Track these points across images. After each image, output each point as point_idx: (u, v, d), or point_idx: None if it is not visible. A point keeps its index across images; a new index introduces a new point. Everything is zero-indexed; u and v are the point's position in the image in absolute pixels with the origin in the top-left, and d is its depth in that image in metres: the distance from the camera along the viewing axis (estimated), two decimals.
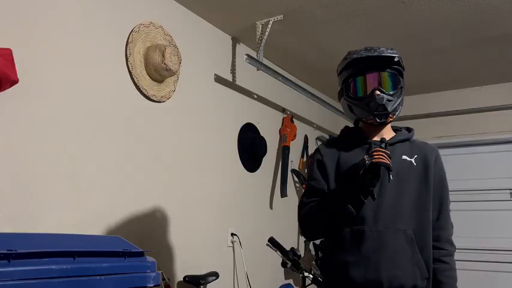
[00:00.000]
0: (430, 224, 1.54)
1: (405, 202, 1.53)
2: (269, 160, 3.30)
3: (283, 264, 2.57)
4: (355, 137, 1.66)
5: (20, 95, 1.72)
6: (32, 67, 1.77)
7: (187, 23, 2.63)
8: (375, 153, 1.46)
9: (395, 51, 1.58)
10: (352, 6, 2.58)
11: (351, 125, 1.75)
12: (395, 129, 1.69)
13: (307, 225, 1.64)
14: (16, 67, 1.65)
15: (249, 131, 3.09)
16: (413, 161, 1.58)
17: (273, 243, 2.54)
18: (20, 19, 1.75)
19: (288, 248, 2.58)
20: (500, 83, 3.85)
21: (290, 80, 3.32)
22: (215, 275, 2.46)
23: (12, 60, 1.65)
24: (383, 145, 1.57)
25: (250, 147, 3.05)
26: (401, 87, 1.59)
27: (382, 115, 1.55)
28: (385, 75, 1.57)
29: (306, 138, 3.82)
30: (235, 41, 3.02)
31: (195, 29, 2.69)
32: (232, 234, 2.84)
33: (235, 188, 2.94)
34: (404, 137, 1.64)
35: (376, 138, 1.62)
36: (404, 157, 1.58)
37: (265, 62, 3.03)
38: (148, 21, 2.31)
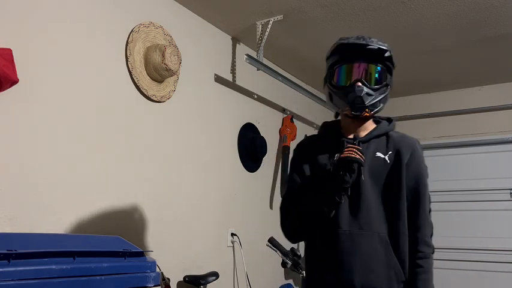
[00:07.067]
0: (405, 225, 1.47)
1: (378, 203, 1.47)
2: (269, 160, 3.31)
3: (283, 264, 2.57)
4: (332, 134, 1.61)
5: (20, 95, 1.72)
6: (32, 67, 1.77)
7: (187, 23, 2.63)
8: (345, 150, 1.44)
9: (387, 46, 1.49)
10: (352, 6, 2.58)
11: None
12: (377, 121, 1.62)
13: (285, 227, 1.61)
14: (16, 67, 1.66)
15: (249, 131, 3.09)
16: (386, 158, 1.50)
17: (273, 243, 2.54)
18: (20, 19, 1.75)
19: (288, 248, 2.58)
20: (500, 83, 3.85)
21: (290, 80, 3.32)
22: (215, 275, 2.46)
23: (12, 60, 1.65)
24: (356, 142, 1.51)
25: (250, 147, 3.05)
26: (387, 85, 1.51)
27: (358, 107, 1.47)
28: (372, 67, 1.49)
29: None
30: (235, 41, 3.02)
31: (195, 29, 2.69)
32: (232, 234, 2.84)
33: (235, 188, 2.94)
34: (380, 132, 1.56)
35: (354, 133, 1.57)
36: (378, 154, 1.51)
37: (265, 62, 3.03)
38: (148, 21, 2.31)
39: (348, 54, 1.50)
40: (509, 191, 3.69)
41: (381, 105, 1.51)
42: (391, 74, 1.53)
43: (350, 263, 1.44)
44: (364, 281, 1.43)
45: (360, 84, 1.46)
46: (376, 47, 1.47)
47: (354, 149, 1.43)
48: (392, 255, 1.45)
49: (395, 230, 1.47)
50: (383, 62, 1.50)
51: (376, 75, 1.49)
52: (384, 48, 1.48)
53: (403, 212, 1.47)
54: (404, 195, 1.48)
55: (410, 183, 1.49)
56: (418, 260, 1.45)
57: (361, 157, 1.42)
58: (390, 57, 1.50)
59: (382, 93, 1.49)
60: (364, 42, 1.47)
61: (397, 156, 1.50)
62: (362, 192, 1.47)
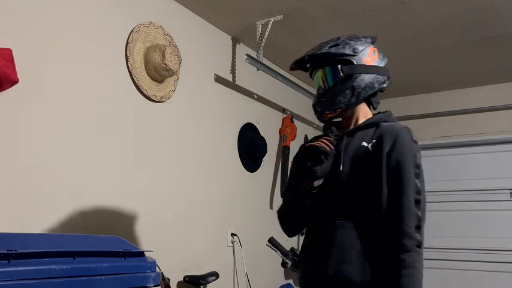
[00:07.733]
0: (384, 215, 1.38)
1: (356, 192, 1.43)
2: (269, 160, 3.31)
3: (283, 264, 2.57)
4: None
5: (20, 95, 1.72)
6: (32, 67, 1.77)
7: (187, 23, 2.63)
8: (316, 141, 1.49)
9: (327, 44, 1.52)
10: (352, 6, 2.58)
11: None
12: (375, 114, 1.61)
13: (280, 222, 1.66)
14: (16, 67, 1.66)
15: (249, 131, 3.09)
16: (369, 147, 1.46)
17: (273, 243, 2.54)
18: (20, 19, 1.75)
19: (288, 248, 2.58)
20: (500, 83, 3.84)
21: (290, 80, 3.32)
22: (215, 275, 2.46)
23: (12, 60, 1.65)
24: (332, 134, 1.52)
25: (250, 147, 3.05)
26: (350, 74, 1.47)
27: (318, 115, 1.56)
28: (321, 72, 1.54)
29: (306, 138, 3.82)
30: (235, 41, 3.02)
31: (195, 29, 2.69)
32: (232, 234, 2.84)
33: (235, 188, 2.94)
34: (368, 122, 1.53)
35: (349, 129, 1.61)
36: (363, 143, 1.48)
37: (265, 62, 3.03)
38: (148, 21, 2.31)
39: (307, 67, 1.61)
40: (509, 191, 3.69)
41: (350, 99, 1.49)
42: (348, 63, 1.49)
43: (324, 254, 1.43)
44: (337, 272, 1.39)
45: (317, 92, 1.56)
46: (311, 54, 1.54)
47: (324, 140, 1.46)
48: (368, 246, 1.38)
49: (373, 220, 1.40)
50: (331, 61, 1.51)
51: (329, 76, 1.52)
52: (316, 53, 1.52)
53: (382, 202, 1.38)
54: (384, 184, 1.39)
55: (392, 171, 1.40)
56: (400, 254, 1.32)
57: (328, 146, 1.43)
58: (329, 53, 1.50)
59: (342, 90, 1.49)
60: (304, 55, 1.56)
61: (379, 144, 1.44)
62: (339, 182, 1.46)
